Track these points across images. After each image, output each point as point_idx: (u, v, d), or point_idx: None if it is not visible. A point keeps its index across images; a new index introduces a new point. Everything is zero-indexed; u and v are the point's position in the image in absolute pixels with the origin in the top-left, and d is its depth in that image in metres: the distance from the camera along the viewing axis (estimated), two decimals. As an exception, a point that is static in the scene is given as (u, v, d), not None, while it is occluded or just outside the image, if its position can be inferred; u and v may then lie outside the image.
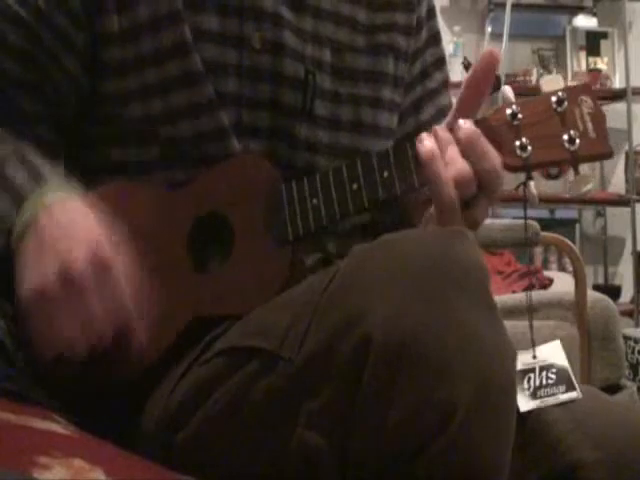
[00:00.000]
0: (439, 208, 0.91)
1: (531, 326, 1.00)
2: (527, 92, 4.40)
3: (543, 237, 2.32)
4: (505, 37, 4.59)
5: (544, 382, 0.96)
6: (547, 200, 4.10)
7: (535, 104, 0.92)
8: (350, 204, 0.93)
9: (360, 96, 1.08)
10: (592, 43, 4.99)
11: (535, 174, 0.94)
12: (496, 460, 0.74)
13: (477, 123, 0.92)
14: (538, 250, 4.43)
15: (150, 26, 1.01)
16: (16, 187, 0.92)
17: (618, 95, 4.76)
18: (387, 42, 1.11)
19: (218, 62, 1.01)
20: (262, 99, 1.03)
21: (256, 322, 0.88)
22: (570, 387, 0.95)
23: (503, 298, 2.43)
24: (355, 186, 0.93)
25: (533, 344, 0.98)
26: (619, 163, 4.83)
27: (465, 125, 0.92)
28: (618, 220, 4.90)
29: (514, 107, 0.92)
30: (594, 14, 5.02)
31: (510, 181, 0.94)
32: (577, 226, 5.00)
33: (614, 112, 4.51)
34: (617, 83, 4.91)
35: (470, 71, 0.94)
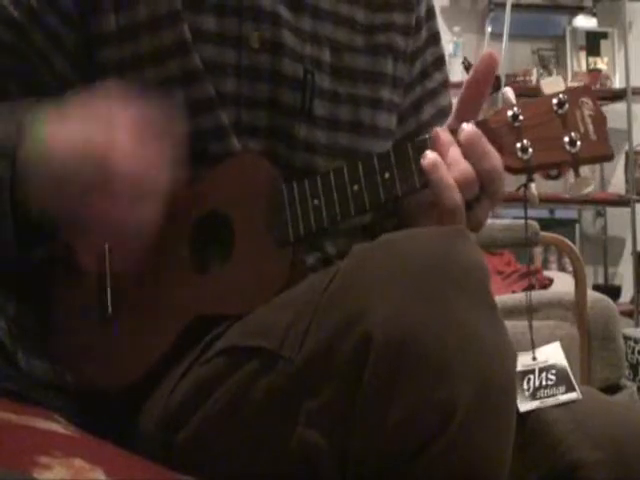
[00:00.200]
0: (443, 211, 0.91)
1: (531, 327, 1.00)
2: (527, 92, 4.41)
3: (543, 237, 2.32)
4: (505, 37, 4.60)
5: (544, 383, 0.96)
6: (547, 200, 4.11)
7: (536, 106, 0.92)
8: (351, 205, 0.93)
9: (359, 96, 1.08)
10: (592, 43, 5.00)
11: (535, 175, 0.94)
12: (496, 460, 0.74)
13: (478, 124, 0.92)
14: (538, 250, 4.43)
15: (149, 25, 1.01)
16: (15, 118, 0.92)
17: (618, 95, 4.76)
18: (386, 42, 1.11)
19: (217, 62, 1.01)
20: (261, 99, 1.03)
21: (256, 322, 0.88)
22: (570, 388, 0.95)
23: (503, 298, 2.43)
24: (356, 187, 0.93)
25: (533, 345, 0.98)
26: (619, 163, 4.83)
27: (466, 127, 0.92)
28: (618, 220, 4.90)
29: (515, 109, 0.92)
30: (594, 14, 5.03)
31: (511, 182, 0.94)
32: (577, 226, 5.00)
33: (614, 112, 4.51)
34: (617, 83, 4.92)
35: (470, 73, 0.94)
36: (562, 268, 4.53)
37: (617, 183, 4.89)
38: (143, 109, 0.89)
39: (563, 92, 0.92)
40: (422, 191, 0.93)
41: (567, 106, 0.91)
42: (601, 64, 4.98)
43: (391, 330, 0.73)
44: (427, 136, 0.94)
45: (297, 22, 1.05)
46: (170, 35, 1.00)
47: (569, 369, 0.97)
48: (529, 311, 1.02)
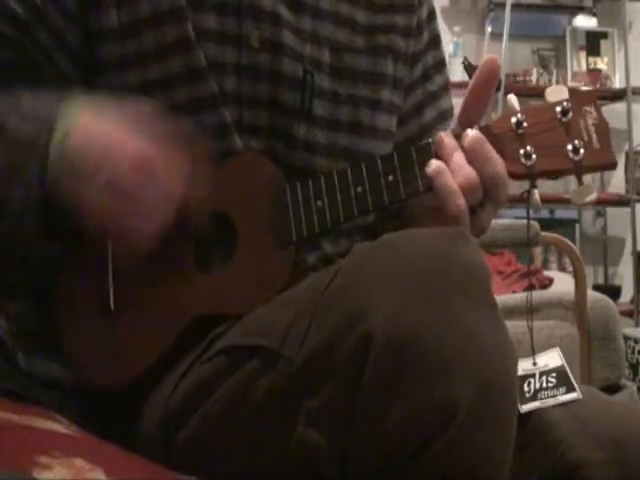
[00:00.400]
0: (447, 217, 0.91)
1: (531, 331, 1.00)
2: (527, 92, 4.42)
3: (543, 237, 2.32)
4: (505, 37, 4.60)
5: (544, 385, 0.97)
6: (547, 200, 4.11)
7: (540, 113, 0.93)
8: (354, 207, 0.93)
9: (359, 97, 1.08)
10: (592, 43, 5.00)
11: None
12: (497, 459, 0.74)
13: (482, 130, 0.93)
14: (538, 250, 4.43)
15: (152, 21, 1.00)
16: (42, 116, 0.94)
17: (618, 95, 4.76)
18: (386, 43, 1.11)
19: (217, 61, 1.01)
20: (261, 98, 1.03)
21: (257, 321, 0.88)
22: (570, 389, 0.96)
23: (503, 298, 2.43)
24: (360, 189, 0.93)
25: (533, 351, 0.99)
26: (619, 163, 4.83)
27: (470, 132, 0.92)
28: (618, 220, 4.91)
29: (519, 115, 0.92)
30: (594, 14, 5.03)
31: (514, 187, 0.94)
32: (577, 226, 5.00)
33: (614, 112, 4.51)
34: (617, 83, 4.92)
35: (473, 78, 0.94)
36: (562, 268, 4.53)
37: (617, 183, 4.89)
38: (171, 125, 0.92)
39: (567, 100, 0.92)
40: (426, 196, 0.93)
41: (571, 114, 0.92)
42: (601, 64, 4.98)
43: (392, 329, 0.73)
44: (430, 140, 0.94)
45: (297, 22, 1.05)
46: (173, 32, 1.00)
47: (569, 371, 0.98)
48: (528, 314, 1.02)
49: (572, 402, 0.95)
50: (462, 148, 0.92)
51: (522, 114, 0.93)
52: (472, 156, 0.91)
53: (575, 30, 5.02)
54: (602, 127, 0.92)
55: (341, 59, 1.07)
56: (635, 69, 4.69)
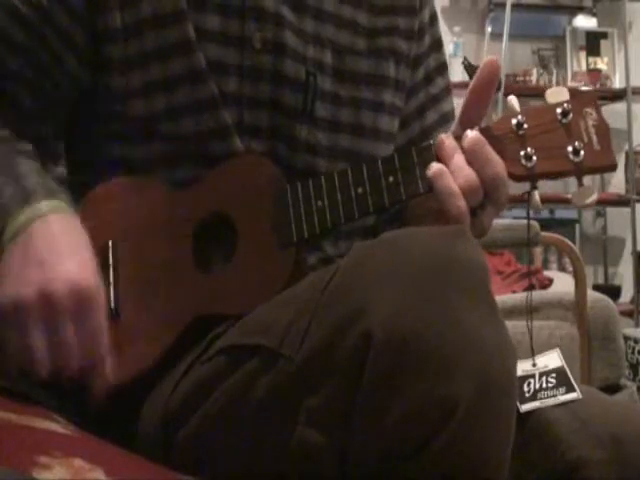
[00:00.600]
0: (448, 218, 0.91)
1: (530, 333, 1.00)
2: (527, 92, 4.42)
3: (543, 237, 2.32)
4: (505, 37, 4.60)
5: (544, 385, 0.97)
6: (547, 200, 4.10)
7: (540, 115, 0.93)
8: (355, 208, 0.93)
9: (361, 99, 1.08)
10: (592, 43, 5.00)
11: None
12: (496, 457, 0.74)
13: (482, 131, 0.93)
14: (538, 250, 4.42)
15: (153, 23, 1.01)
16: (2, 203, 0.92)
17: (618, 95, 4.76)
18: (388, 46, 1.11)
19: (219, 62, 1.02)
20: (263, 99, 1.03)
21: (257, 320, 0.88)
22: (570, 389, 0.96)
23: (503, 298, 2.43)
24: (360, 190, 0.93)
25: (533, 352, 0.99)
26: (619, 163, 4.83)
27: (470, 134, 0.92)
28: (618, 220, 4.91)
29: (520, 117, 0.92)
30: (594, 14, 5.03)
31: (514, 187, 0.94)
32: (577, 226, 5.00)
33: (614, 112, 4.51)
34: (617, 83, 4.92)
35: (473, 80, 0.94)
36: (562, 268, 4.53)
37: (617, 183, 4.89)
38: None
39: (567, 101, 0.92)
40: (426, 197, 0.93)
41: (571, 116, 0.92)
42: (601, 64, 4.98)
43: (391, 328, 0.73)
44: (431, 141, 0.94)
45: (300, 24, 1.05)
46: (174, 33, 1.01)
47: (569, 371, 0.98)
48: (528, 315, 1.02)
49: (572, 402, 0.95)
50: (462, 149, 0.92)
51: (522, 115, 0.92)
52: (472, 157, 0.91)
53: (575, 30, 5.02)
54: (602, 128, 0.92)
55: (343, 61, 1.07)
56: (635, 69, 4.69)
